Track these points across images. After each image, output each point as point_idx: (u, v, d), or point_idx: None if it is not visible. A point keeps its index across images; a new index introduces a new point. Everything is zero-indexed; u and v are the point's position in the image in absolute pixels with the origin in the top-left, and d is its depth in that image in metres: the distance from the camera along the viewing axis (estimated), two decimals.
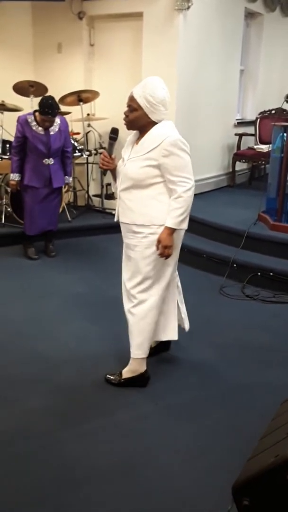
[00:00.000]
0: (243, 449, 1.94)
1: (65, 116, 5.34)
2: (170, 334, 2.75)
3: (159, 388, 2.71)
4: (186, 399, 2.64)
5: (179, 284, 2.83)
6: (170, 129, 2.45)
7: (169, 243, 2.46)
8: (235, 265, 4.20)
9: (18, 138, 4.24)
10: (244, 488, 1.57)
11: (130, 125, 2.49)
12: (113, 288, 4.02)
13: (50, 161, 4.33)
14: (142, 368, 2.71)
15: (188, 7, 4.96)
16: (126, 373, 2.73)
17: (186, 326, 2.92)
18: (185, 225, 2.50)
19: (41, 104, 4.11)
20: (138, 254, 2.54)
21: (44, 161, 4.31)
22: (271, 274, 4.01)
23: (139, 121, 2.44)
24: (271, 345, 3.23)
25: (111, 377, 2.74)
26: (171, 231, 2.46)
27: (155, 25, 5.17)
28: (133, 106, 2.42)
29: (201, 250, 4.50)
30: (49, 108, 4.09)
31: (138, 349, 2.66)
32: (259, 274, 4.08)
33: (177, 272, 2.76)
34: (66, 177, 4.56)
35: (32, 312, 3.61)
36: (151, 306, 2.60)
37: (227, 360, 3.04)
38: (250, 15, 6.50)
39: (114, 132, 2.61)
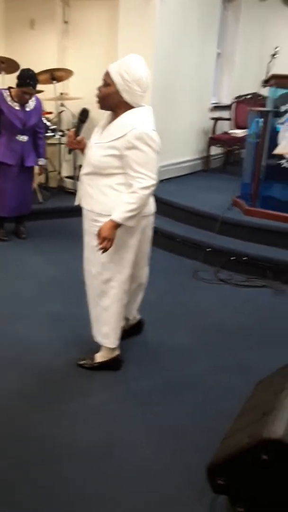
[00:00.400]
0: (218, 430, 1.94)
1: (37, 94, 5.22)
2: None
3: (132, 371, 2.70)
4: (160, 381, 2.64)
5: (143, 281, 2.81)
6: (142, 119, 2.27)
7: (109, 235, 2.31)
8: (209, 249, 4.20)
9: None
10: (219, 467, 1.57)
11: (101, 102, 2.33)
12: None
13: (24, 138, 4.21)
14: (114, 353, 2.68)
15: None
16: (99, 357, 2.70)
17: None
18: (132, 223, 2.33)
19: (21, 75, 4.00)
20: (96, 243, 2.39)
21: (17, 137, 4.19)
22: (245, 258, 4.03)
23: (110, 98, 2.29)
24: (244, 328, 3.26)
25: (84, 362, 2.71)
26: (115, 224, 2.30)
27: (132, 5, 5.05)
28: (106, 81, 2.28)
29: (176, 234, 4.48)
30: (30, 79, 3.99)
31: (105, 338, 2.63)
32: (233, 258, 4.09)
33: (142, 272, 2.75)
34: (41, 159, 4.45)
35: (5, 293, 3.54)
36: (113, 299, 2.53)
37: (201, 343, 3.05)
38: None
39: (84, 113, 2.52)
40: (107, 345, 2.64)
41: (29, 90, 4.04)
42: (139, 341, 3.00)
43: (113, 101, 2.30)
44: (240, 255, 4.08)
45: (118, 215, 2.29)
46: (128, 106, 2.29)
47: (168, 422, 2.33)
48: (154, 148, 2.25)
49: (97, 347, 2.70)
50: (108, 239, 2.32)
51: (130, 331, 2.96)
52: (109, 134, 2.31)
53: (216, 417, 2.31)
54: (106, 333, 2.61)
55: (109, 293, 2.54)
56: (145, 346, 2.96)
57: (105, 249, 2.35)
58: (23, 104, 4.13)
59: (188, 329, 3.20)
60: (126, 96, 2.26)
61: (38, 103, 4.30)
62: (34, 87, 4.07)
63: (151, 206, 2.55)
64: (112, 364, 2.68)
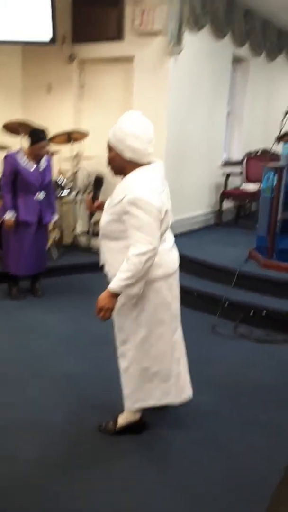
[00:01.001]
0: (252, 497, 1.83)
1: (54, 154, 5.38)
2: (170, 397, 2.55)
3: (157, 434, 2.60)
4: (187, 443, 2.54)
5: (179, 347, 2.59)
6: (141, 181, 2.18)
7: (105, 304, 2.23)
8: (227, 303, 4.15)
9: (9, 175, 4.19)
10: None
11: (111, 169, 2.32)
12: (101, 327, 3.93)
13: (41, 196, 4.29)
14: (136, 416, 2.58)
15: (179, 52, 5.09)
16: (121, 420, 2.60)
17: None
18: (134, 290, 2.21)
19: (33, 133, 4.14)
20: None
21: (35, 196, 4.27)
22: (264, 312, 3.97)
23: (115, 162, 2.26)
24: (268, 386, 3.15)
25: (105, 426, 2.61)
26: (111, 293, 2.22)
27: (147, 69, 5.28)
28: (108, 146, 2.27)
29: (192, 288, 4.43)
30: (42, 134, 4.13)
31: (127, 400, 2.53)
32: (251, 312, 4.03)
33: (178, 333, 2.57)
34: (53, 215, 4.51)
35: (20, 353, 3.48)
36: (130, 360, 2.45)
37: (225, 401, 2.95)
38: (237, 60, 6.71)
39: (97, 181, 2.52)
40: (129, 408, 2.54)
41: (45, 144, 4.17)
42: None
43: (119, 164, 2.27)
44: (259, 309, 4.02)
45: (114, 284, 2.21)
46: (136, 165, 2.23)
47: (197, 488, 2.21)
48: (150, 212, 2.14)
49: (116, 408, 2.61)
50: (105, 308, 2.24)
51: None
52: (112, 200, 2.29)
53: (248, 482, 2.19)
54: (126, 394, 2.53)
55: (127, 354, 2.47)
56: (166, 406, 2.85)
57: (104, 318, 2.28)
58: (39, 161, 4.23)
59: (211, 387, 3.10)
60: (128, 155, 2.21)
61: (48, 161, 4.40)
62: (46, 140, 4.22)
63: (167, 266, 2.37)
64: (134, 428, 2.58)
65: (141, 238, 2.15)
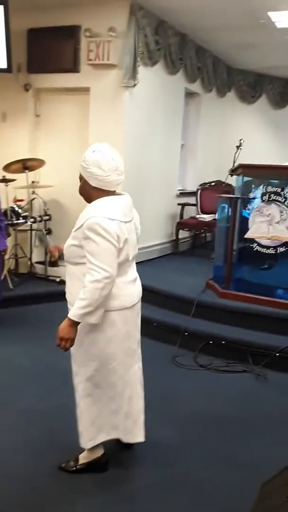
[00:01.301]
0: None
1: (9, 183, 5.29)
2: (131, 436, 2.45)
3: (118, 473, 2.50)
4: (148, 483, 2.44)
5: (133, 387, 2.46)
6: (102, 208, 2.19)
7: (66, 335, 2.19)
8: (186, 333, 4.14)
9: None
10: None
11: (83, 197, 2.34)
12: (61, 360, 3.81)
13: None
14: (97, 454, 2.47)
15: (134, 85, 5.19)
16: (82, 458, 2.49)
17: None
18: (93, 319, 2.17)
19: None
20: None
21: None
22: (223, 342, 3.98)
23: (84, 190, 2.31)
24: (228, 418, 3.13)
25: (66, 465, 2.50)
26: (71, 322, 2.17)
27: (102, 100, 5.35)
28: (79, 175, 2.31)
29: (151, 318, 4.41)
30: None
31: (81, 437, 2.42)
32: (211, 342, 4.04)
33: (134, 369, 2.46)
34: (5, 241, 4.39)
35: None
36: (81, 394, 2.39)
37: (186, 436, 2.89)
38: (189, 94, 6.92)
39: None
40: (83, 446, 2.44)
41: None
42: None
43: (86, 192, 2.31)
44: (218, 338, 4.03)
45: (73, 312, 2.17)
46: (101, 193, 2.26)
47: None
48: (108, 238, 2.13)
49: (79, 447, 2.51)
50: (65, 338, 2.20)
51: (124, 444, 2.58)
52: (76, 224, 2.28)
53: None
54: (80, 431, 2.42)
55: (78, 388, 2.40)
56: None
57: (64, 348, 2.24)
58: None
59: (171, 421, 3.04)
60: (93, 182, 2.24)
61: None
62: None
63: (124, 300, 2.31)
64: (96, 466, 2.48)
65: (96, 265, 2.12)
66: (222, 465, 2.60)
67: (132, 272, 2.42)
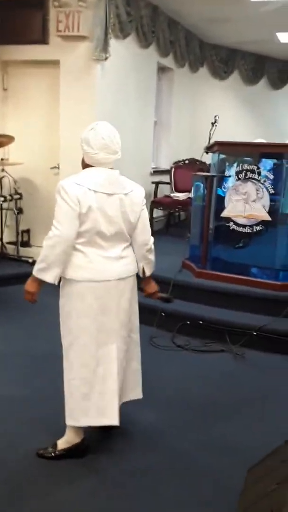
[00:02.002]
0: None
1: None
2: (103, 418, 2.39)
3: (99, 459, 2.45)
4: (130, 468, 2.40)
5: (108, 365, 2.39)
6: (77, 175, 2.31)
7: (27, 287, 2.32)
8: (163, 314, 4.10)
9: None
10: None
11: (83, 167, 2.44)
12: (39, 344, 3.73)
13: None
14: (78, 438, 2.44)
15: (106, 58, 5.00)
16: (62, 444, 2.44)
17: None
18: (47, 277, 2.25)
19: None
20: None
21: None
22: (201, 322, 3.97)
23: (82, 163, 2.41)
24: (208, 399, 3.12)
25: (44, 451, 2.44)
26: (32, 277, 2.31)
27: (73, 74, 5.14)
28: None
29: None
30: None
31: (69, 415, 2.39)
32: (188, 322, 4.01)
33: (108, 349, 2.38)
34: None
35: None
36: (65, 366, 2.39)
37: (168, 419, 2.86)
38: (161, 69, 6.76)
39: None
40: (70, 424, 2.40)
41: None
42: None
43: (82, 167, 2.41)
44: (195, 318, 4.01)
45: (34, 268, 2.30)
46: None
47: None
48: (65, 199, 2.22)
49: (58, 434, 2.45)
50: (27, 291, 2.33)
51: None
52: None
53: (205, 508, 2.11)
54: (69, 408, 2.38)
55: (64, 359, 2.40)
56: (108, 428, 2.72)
57: (30, 302, 2.36)
58: None
59: (152, 404, 2.99)
60: (86, 159, 2.37)
61: None
62: None
63: (93, 273, 2.31)
64: (75, 452, 2.43)
65: (53, 224, 2.24)
66: (208, 448, 2.58)
67: (115, 250, 2.37)
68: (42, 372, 3.23)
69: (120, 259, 2.38)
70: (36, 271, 2.27)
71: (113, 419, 2.37)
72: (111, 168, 2.37)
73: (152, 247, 2.55)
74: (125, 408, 2.88)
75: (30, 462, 2.39)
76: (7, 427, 2.68)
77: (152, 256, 2.57)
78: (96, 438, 2.57)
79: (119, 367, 2.41)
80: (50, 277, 2.26)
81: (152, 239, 2.54)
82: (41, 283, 2.30)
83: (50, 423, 2.64)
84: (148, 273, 2.57)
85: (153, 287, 2.68)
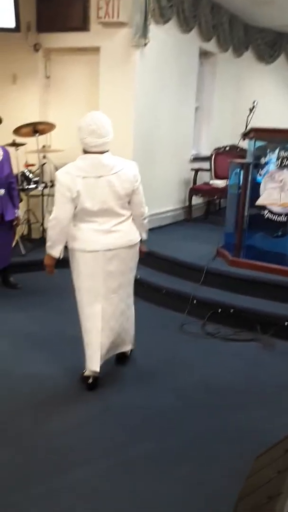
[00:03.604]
0: (213, 507, 1.80)
1: (20, 147, 5.22)
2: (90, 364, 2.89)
3: (119, 439, 2.54)
4: (147, 451, 2.46)
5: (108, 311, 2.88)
6: (68, 165, 2.72)
7: (45, 261, 2.84)
8: (195, 301, 4.12)
9: None
10: None
11: None
12: (69, 326, 3.84)
13: (1, 192, 4.13)
14: (91, 370, 2.90)
15: (145, 44, 5.00)
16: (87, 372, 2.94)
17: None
18: (53, 252, 2.76)
19: None
20: None
21: None
22: (232, 311, 3.96)
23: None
24: (235, 386, 3.13)
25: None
26: (47, 253, 2.81)
27: (112, 60, 5.18)
28: None
29: (161, 286, 4.40)
30: None
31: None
32: (219, 310, 4.01)
33: (94, 309, 2.84)
34: (16, 210, 4.36)
35: None
36: (81, 319, 2.90)
37: (190, 404, 2.90)
38: (204, 54, 6.67)
39: None
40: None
41: None
42: (125, 403, 2.85)
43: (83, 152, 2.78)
44: (226, 307, 4.00)
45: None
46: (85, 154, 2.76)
47: (158, 498, 2.16)
48: (59, 188, 2.67)
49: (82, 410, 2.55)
50: (44, 264, 2.85)
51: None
52: None
53: (211, 492, 2.15)
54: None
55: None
56: (131, 409, 2.80)
57: (48, 274, 2.90)
58: None
59: (176, 389, 3.05)
60: (80, 145, 2.75)
61: (5, 152, 4.21)
62: None
63: (84, 243, 2.75)
64: (84, 381, 2.94)
65: (53, 208, 2.70)
66: (224, 435, 2.61)
67: (106, 225, 2.77)
68: (71, 353, 3.33)
69: (110, 233, 2.78)
70: (46, 248, 2.78)
71: (96, 367, 2.84)
72: (103, 152, 2.70)
73: (147, 216, 3.03)
74: (147, 391, 2.96)
75: (55, 439, 2.50)
76: (36, 403, 2.81)
77: (147, 225, 3.04)
78: (110, 417, 2.64)
79: (105, 325, 2.86)
80: (55, 252, 2.76)
81: (147, 209, 2.97)
82: (53, 257, 2.78)
83: (75, 399, 2.75)
84: (144, 237, 3.04)
85: (142, 247, 3.07)
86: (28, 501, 2.08)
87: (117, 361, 3.21)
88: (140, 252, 3.04)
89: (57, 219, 2.69)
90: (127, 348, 3.18)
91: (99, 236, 2.76)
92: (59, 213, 2.68)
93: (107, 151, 2.72)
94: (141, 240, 2.99)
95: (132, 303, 3.10)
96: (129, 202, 2.85)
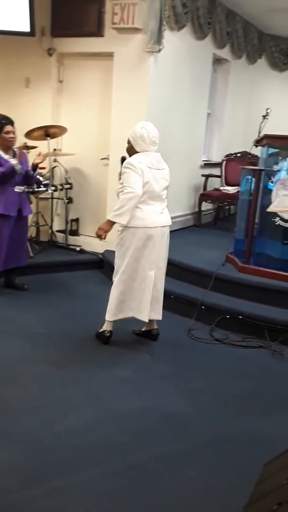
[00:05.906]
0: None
1: (31, 150, 5.25)
2: (140, 315, 3.49)
3: (127, 443, 2.52)
4: (157, 454, 2.45)
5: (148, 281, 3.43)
6: (136, 156, 3.32)
7: (103, 226, 3.39)
8: (203, 307, 4.11)
9: None
10: None
11: (128, 153, 3.44)
12: (77, 329, 3.84)
13: (20, 188, 4.24)
14: (108, 328, 3.54)
15: (159, 50, 5.01)
16: (101, 328, 3.55)
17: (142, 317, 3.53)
18: (120, 220, 3.28)
19: None
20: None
21: (15, 188, 4.21)
22: (240, 317, 3.94)
23: (130, 151, 3.41)
24: (243, 392, 3.11)
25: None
26: (108, 221, 3.37)
27: (126, 66, 5.20)
28: (128, 140, 3.41)
29: (169, 291, 4.37)
30: (4, 119, 4.12)
31: (107, 313, 3.50)
32: (227, 317, 3.99)
33: (150, 273, 3.41)
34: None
35: None
36: (115, 284, 3.47)
37: (198, 410, 2.88)
38: (217, 61, 6.68)
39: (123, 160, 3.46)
40: (106, 318, 3.52)
41: (10, 128, 4.11)
42: (132, 408, 2.84)
43: (131, 152, 3.40)
44: (235, 313, 3.98)
45: (110, 215, 3.36)
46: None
47: (167, 501, 2.14)
48: (135, 170, 3.24)
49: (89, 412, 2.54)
50: (101, 228, 3.40)
51: (146, 334, 3.76)
52: None
53: (220, 496, 2.13)
54: (108, 309, 3.49)
55: (114, 282, 3.50)
56: (139, 414, 2.79)
57: (99, 236, 3.41)
58: (10, 148, 4.16)
59: (185, 394, 3.04)
60: (137, 148, 3.36)
61: (23, 154, 4.36)
62: (12, 124, 4.16)
63: (146, 222, 3.33)
64: (101, 337, 3.56)
65: (126, 185, 3.24)
66: (233, 441, 2.59)
67: (158, 207, 3.42)
68: (77, 355, 3.34)
69: (161, 214, 3.45)
70: (112, 217, 3.31)
71: (145, 317, 3.49)
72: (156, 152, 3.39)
73: None
74: (155, 395, 2.94)
75: (62, 439, 2.49)
76: (43, 404, 2.79)
77: None
78: (121, 422, 2.63)
79: (154, 286, 3.46)
80: (123, 220, 3.28)
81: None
82: (112, 225, 3.36)
83: (83, 401, 2.73)
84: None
85: None
86: (42, 499, 2.07)
87: (150, 337, 3.72)
88: None
89: (135, 193, 3.22)
90: (158, 316, 3.62)
91: (157, 216, 3.39)
92: (136, 188, 3.22)
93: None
94: None
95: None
96: None
